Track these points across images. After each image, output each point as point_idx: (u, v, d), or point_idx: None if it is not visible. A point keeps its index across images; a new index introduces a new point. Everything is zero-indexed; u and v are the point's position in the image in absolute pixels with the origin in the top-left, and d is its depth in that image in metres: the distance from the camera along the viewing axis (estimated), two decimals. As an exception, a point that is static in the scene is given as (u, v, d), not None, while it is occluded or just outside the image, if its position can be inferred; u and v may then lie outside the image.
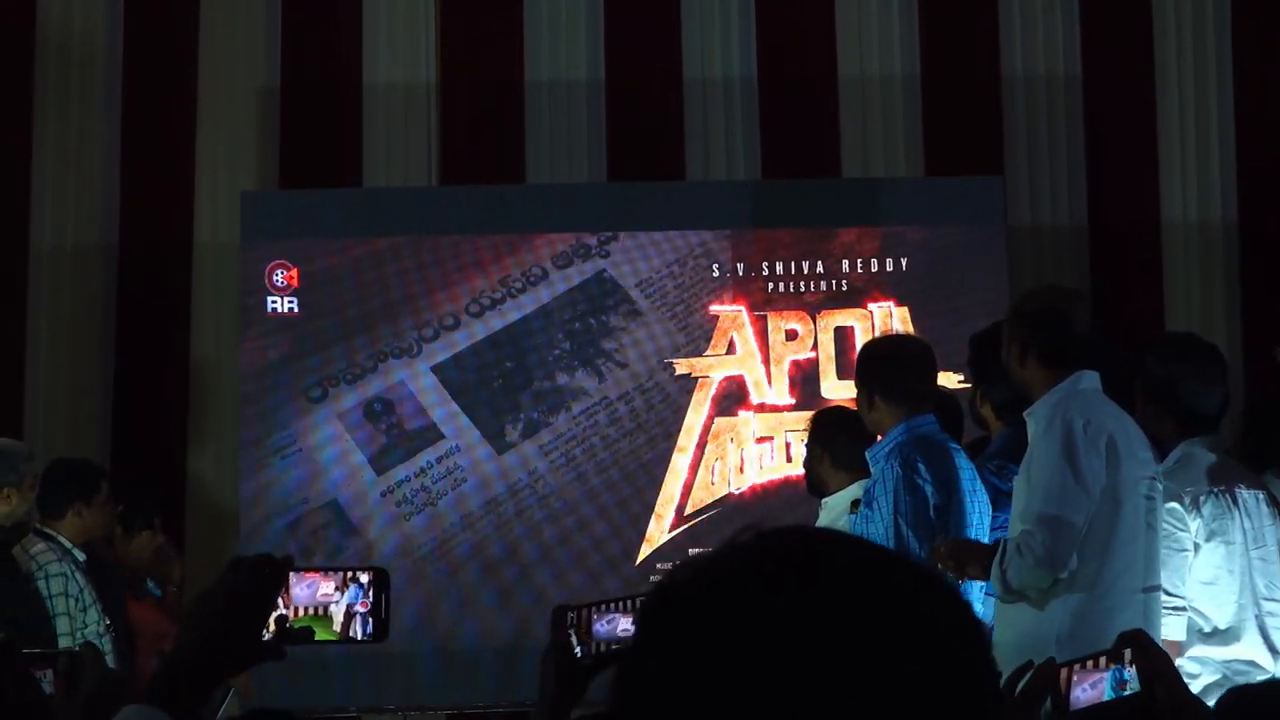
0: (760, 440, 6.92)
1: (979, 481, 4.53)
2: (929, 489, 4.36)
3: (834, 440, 5.16)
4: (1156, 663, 2.34)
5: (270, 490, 6.86)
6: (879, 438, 4.63)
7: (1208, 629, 4.17)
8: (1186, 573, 4.15)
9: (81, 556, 5.66)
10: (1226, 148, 7.86)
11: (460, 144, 7.78)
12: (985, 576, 3.91)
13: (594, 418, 6.93)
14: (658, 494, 6.89)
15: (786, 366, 6.99)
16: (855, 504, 4.74)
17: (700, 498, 6.90)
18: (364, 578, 1.90)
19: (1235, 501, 4.20)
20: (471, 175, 7.69)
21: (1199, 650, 4.15)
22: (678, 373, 6.96)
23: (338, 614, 1.87)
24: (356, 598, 1.88)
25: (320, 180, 7.56)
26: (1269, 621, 4.18)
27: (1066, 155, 7.85)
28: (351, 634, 1.88)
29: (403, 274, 6.99)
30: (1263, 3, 7.96)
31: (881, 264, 7.05)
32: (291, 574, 1.86)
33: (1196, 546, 4.18)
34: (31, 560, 5.50)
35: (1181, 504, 4.16)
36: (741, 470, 6.92)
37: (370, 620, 1.89)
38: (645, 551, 6.84)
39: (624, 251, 7.06)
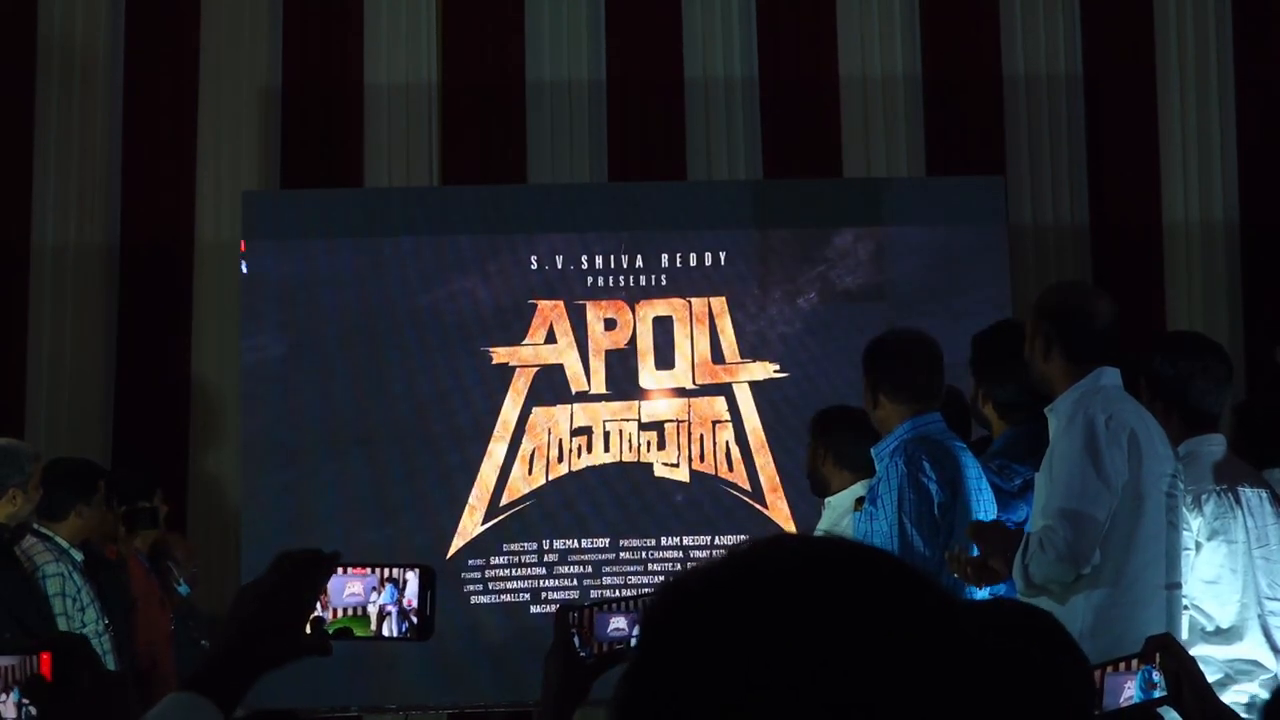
0: (578, 431, 6.88)
1: (984, 480, 4.52)
2: (934, 487, 4.35)
3: (837, 439, 5.14)
4: (1184, 666, 2.35)
5: (271, 489, 6.86)
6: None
7: (1210, 628, 4.17)
8: (1189, 571, 4.15)
9: (79, 556, 5.66)
10: (1228, 148, 7.86)
11: (462, 144, 7.78)
12: (1006, 568, 3.90)
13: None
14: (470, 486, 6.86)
15: (786, 366, 6.98)
16: (859, 502, 4.73)
17: (516, 489, 6.86)
18: (409, 575, 1.89)
19: (1238, 500, 4.20)
20: (473, 175, 7.69)
21: (1201, 649, 4.14)
22: (494, 361, 6.94)
23: (374, 613, 1.87)
24: (392, 599, 1.88)
25: (322, 180, 7.57)
26: (1271, 621, 4.17)
27: (1068, 155, 7.85)
28: (387, 633, 1.88)
29: (403, 274, 6.99)
30: (1263, 3, 7.96)
31: (883, 264, 7.05)
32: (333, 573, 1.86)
33: (1198, 545, 4.18)
34: (28, 560, 5.50)
35: (1184, 502, 4.16)
36: (560, 460, 6.89)
37: (407, 620, 1.88)
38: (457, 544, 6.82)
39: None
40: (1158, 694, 2.35)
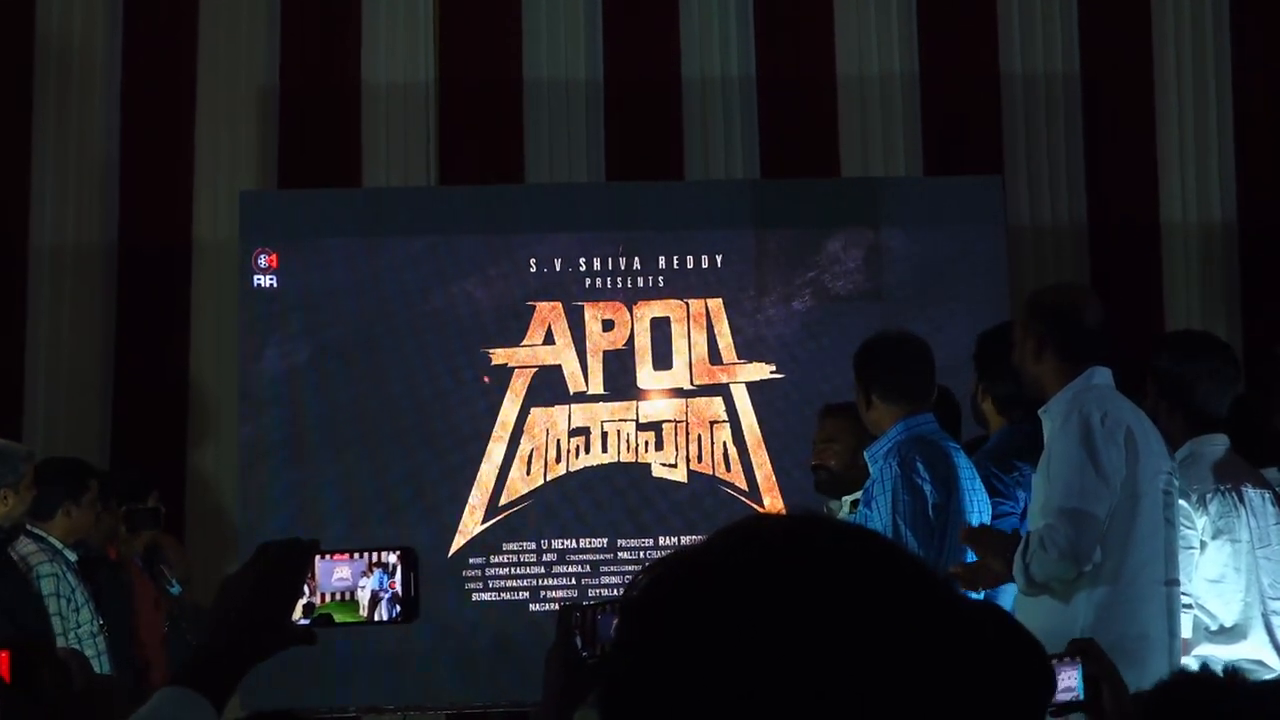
0: (576, 431, 6.88)
1: (978, 480, 4.53)
2: (928, 488, 4.36)
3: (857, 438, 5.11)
4: (1103, 670, 2.37)
5: (269, 490, 6.85)
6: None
7: (1214, 627, 4.17)
8: (1193, 570, 4.16)
9: (73, 556, 5.65)
10: (1226, 147, 7.86)
11: (459, 144, 7.78)
12: (1005, 568, 3.91)
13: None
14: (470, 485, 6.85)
15: (798, 368, 6.98)
16: (854, 504, 4.74)
17: (515, 489, 6.86)
18: (391, 558, 1.90)
19: (1242, 500, 4.21)
20: (471, 175, 7.69)
21: (1205, 649, 4.16)
22: (493, 362, 6.93)
23: (363, 599, 1.88)
24: (382, 582, 1.88)
25: (319, 180, 7.56)
26: (1275, 621, 4.18)
27: (1066, 155, 7.85)
28: (378, 617, 1.88)
29: (401, 274, 6.99)
30: (1262, 2, 7.96)
31: (880, 264, 7.05)
32: (318, 559, 1.86)
33: (1203, 544, 4.18)
34: (22, 561, 5.49)
35: (1188, 501, 4.16)
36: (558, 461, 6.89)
37: (397, 603, 1.89)
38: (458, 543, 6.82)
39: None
40: (1080, 696, 2.39)
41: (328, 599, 1.87)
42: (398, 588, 1.89)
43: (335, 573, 1.87)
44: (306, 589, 1.84)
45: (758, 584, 0.98)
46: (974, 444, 5.05)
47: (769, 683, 0.94)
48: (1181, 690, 2.27)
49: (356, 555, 1.89)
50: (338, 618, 1.87)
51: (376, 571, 1.89)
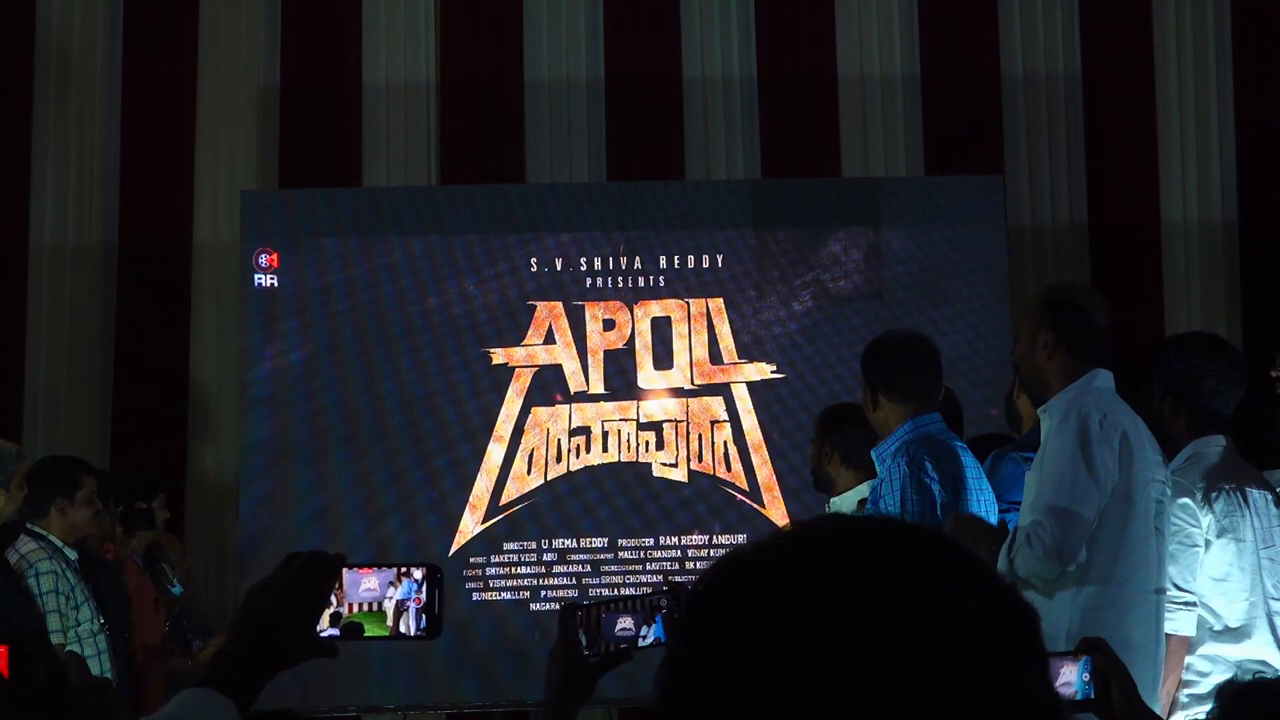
0: (576, 431, 6.89)
1: (985, 480, 4.54)
2: (936, 487, 4.35)
3: (846, 438, 5.12)
4: (1114, 670, 2.38)
5: (271, 488, 6.85)
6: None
7: (1218, 626, 4.17)
8: (1198, 569, 4.16)
9: (73, 555, 5.63)
10: (1226, 148, 7.87)
11: (460, 143, 7.78)
12: (991, 561, 3.91)
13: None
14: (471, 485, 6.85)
15: (799, 368, 6.98)
16: (862, 503, 4.73)
17: (515, 489, 6.86)
18: (417, 574, 1.90)
19: (1246, 500, 4.21)
20: (471, 175, 7.69)
21: (1210, 648, 4.15)
22: (493, 361, 6.94)
23: (390, 610, 1.89)
24: (410, 593, 1.89)
25: (320, 180, 7.56)
26: (1278, 621, 4.18)
27: (1066, 155, 7.85)
28: (404, 630, 1.89)
29: (401, 273, 6.99)
30: (1263, 3, 7.96)
31: (881, 264, 7.05)
32: (345, 570, 1.87)
33: (1207, 543, 4.18)
34: (22, 559, 5.48)
35: (1193, 499, 4.17)
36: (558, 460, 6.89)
37: (423, 616, 1.90)
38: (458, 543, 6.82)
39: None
40: (1092, 692, 2.39)
41: (355, 609, 1.88)
42: (422, 601, 1.90)
43: (363, 584, 1.88)
44: (334, 599, 1.85)
45: (812, 579, 0.99)
46: (980, 441, 5.05)
47: (818, 674, 0.95)
48: (1251, 697, 2.26)
49: (383, 570, 1.91)
50: (367, 629, 1.88)
51: (405, 581, 1.90)
